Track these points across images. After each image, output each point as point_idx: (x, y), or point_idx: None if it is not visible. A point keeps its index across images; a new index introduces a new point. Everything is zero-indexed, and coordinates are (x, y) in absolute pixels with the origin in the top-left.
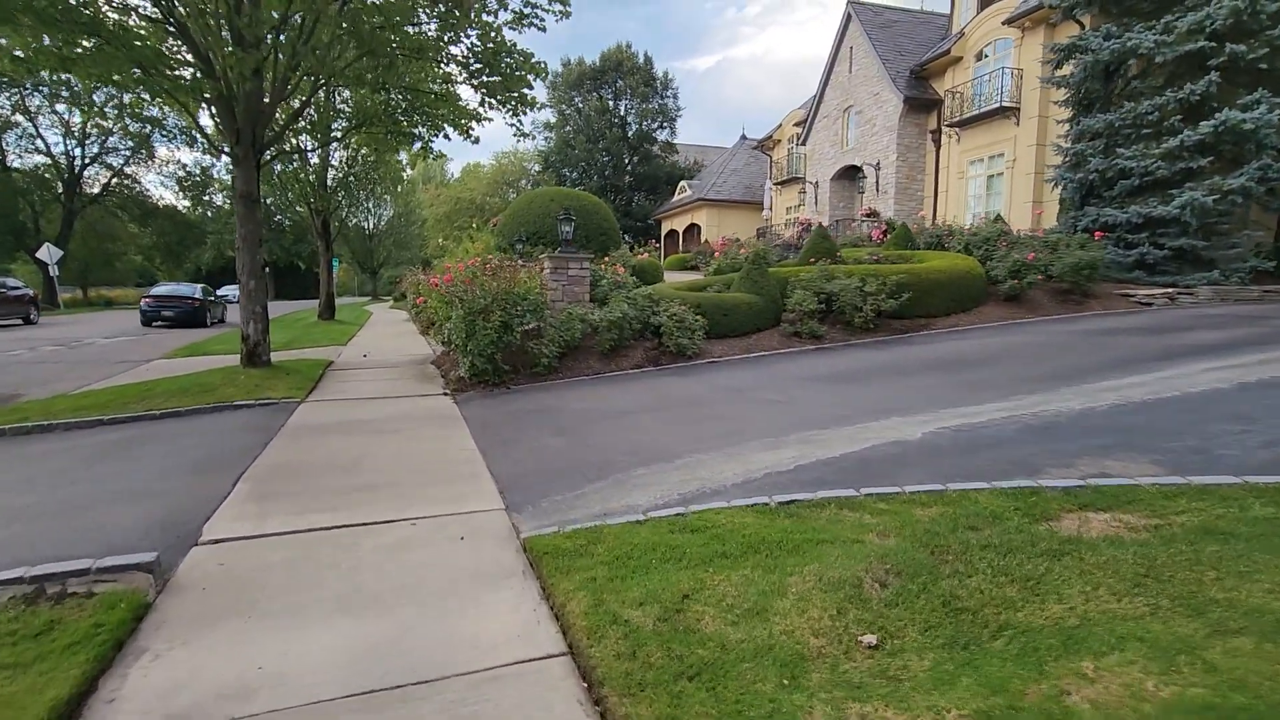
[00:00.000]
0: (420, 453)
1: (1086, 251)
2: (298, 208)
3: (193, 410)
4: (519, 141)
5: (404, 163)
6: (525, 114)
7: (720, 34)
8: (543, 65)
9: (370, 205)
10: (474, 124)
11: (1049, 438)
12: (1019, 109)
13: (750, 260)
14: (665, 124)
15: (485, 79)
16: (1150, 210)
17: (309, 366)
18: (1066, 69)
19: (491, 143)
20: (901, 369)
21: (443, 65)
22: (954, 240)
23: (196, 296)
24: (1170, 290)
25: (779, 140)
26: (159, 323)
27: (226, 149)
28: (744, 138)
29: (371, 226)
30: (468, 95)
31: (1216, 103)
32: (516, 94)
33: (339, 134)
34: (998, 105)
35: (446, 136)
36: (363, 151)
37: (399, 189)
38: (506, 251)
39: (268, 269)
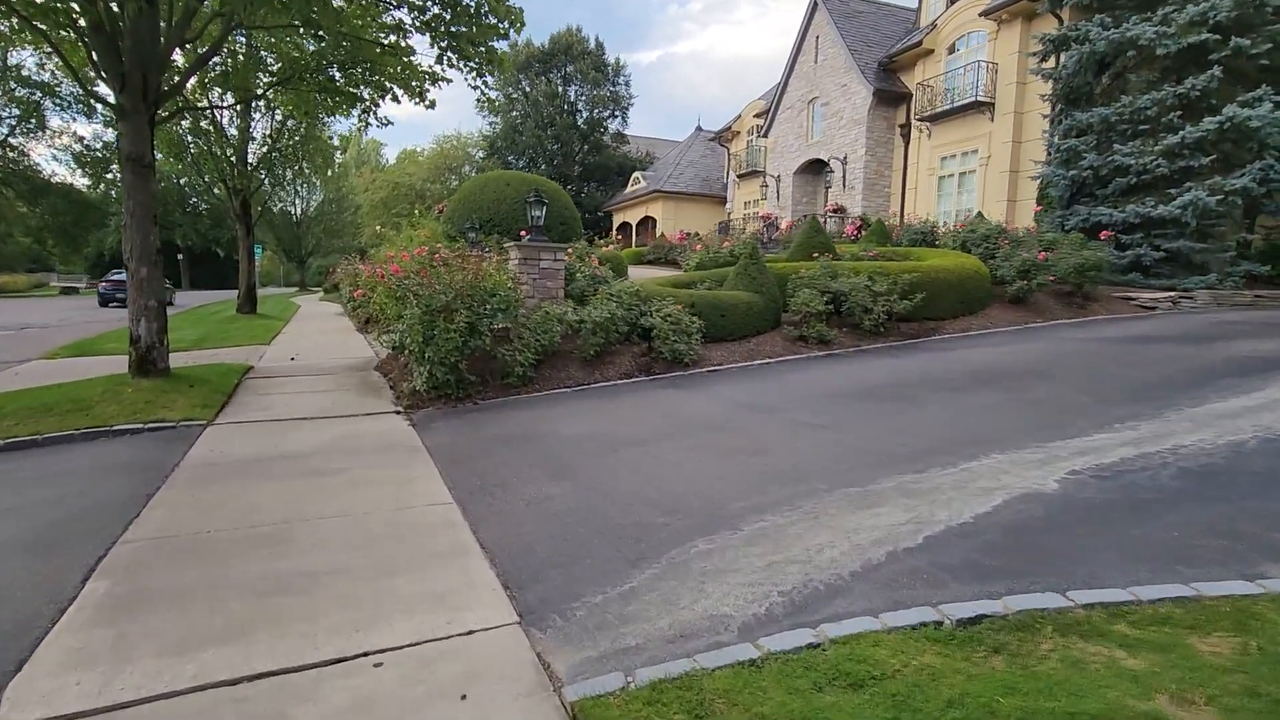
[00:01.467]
0: (376, 509)
1: (1092, 252)
2: (214, 190)
3: (52, 440)
4: (483, 114)
5: (336, 143)
6: (492, 74)
7: (664, 29)
8: (518, 11)
9: (298, 186)
10: (429, 86)
11: (1229, 489)
12: (994, 104)
13: (747, 255)
14: (617, 112)
15: (446, 29)
16: (1149, 210)
17: (221, 374)
18: (1053, 61)
19: (431, 126)
20: (945, 383)
21: (393, 8)
22: (946, 238)
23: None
24: (1171, 294)
25: (738, 132)
26: (114, 304)
27: (112, 101)
28: (700, 129)
29: (299, 212)
30: (423, 50)
31: (1215, 99)
32: (484, 47)
33: (261, 91)
34: (972, 100)
35: (395, 98)
36: (289, 123)
37: (330, 173)
38: (456, 240)
39: (180, 255)
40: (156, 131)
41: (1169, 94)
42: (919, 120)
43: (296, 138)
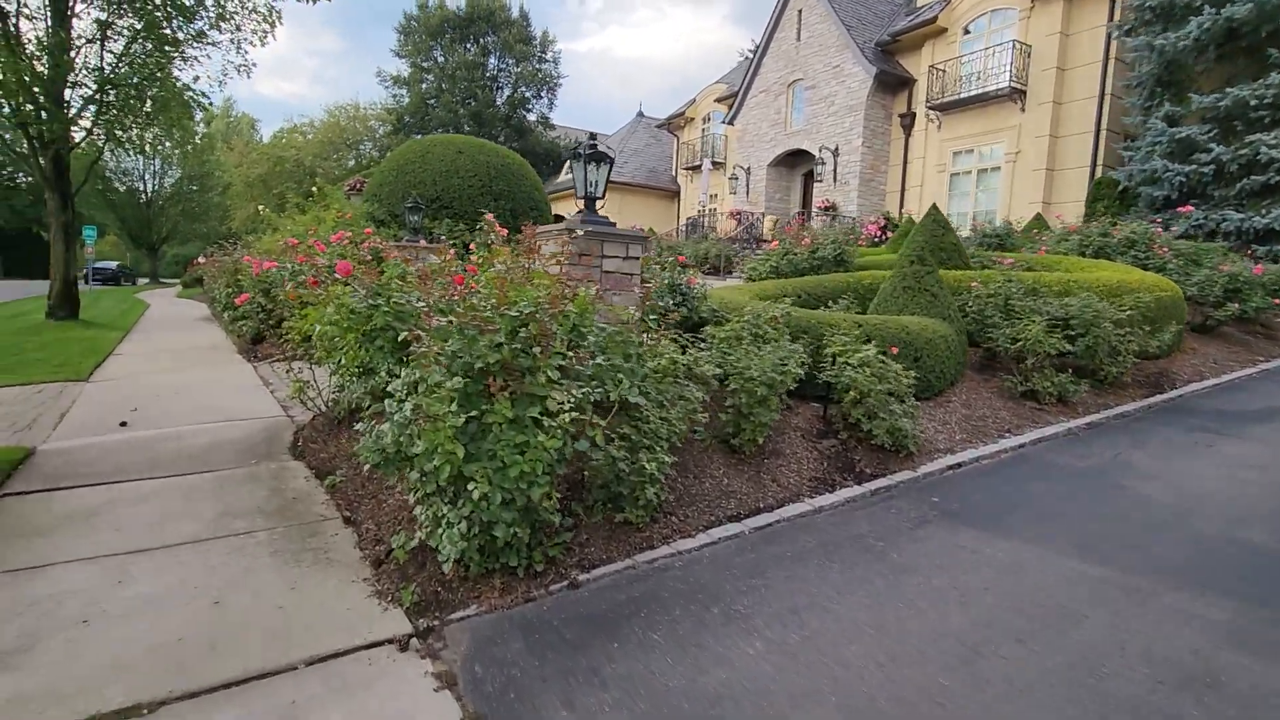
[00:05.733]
0: None
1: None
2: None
3: None
4: (385, 84)
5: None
6: None
7: (563, 26)
8: None
9: (147, 141)
10: None
11: None
12: (1026, 92)
13: (912, 259)
14: (545, 93)
15: None
16: None
17: None
18: (1156, 39)
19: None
20: None
21: None
22: (1046, 240)
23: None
24: None
25: (691, 119)
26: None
27: None
28: (641, 115)
29: (149, 189)
30: None
31: None
32: None
33: None
34: (1004, 86)
35: None
36: (133, 48)
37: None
38: (388, 226)
39: None
40: None
41: None
42: (930, 109)
43: (142, 63)
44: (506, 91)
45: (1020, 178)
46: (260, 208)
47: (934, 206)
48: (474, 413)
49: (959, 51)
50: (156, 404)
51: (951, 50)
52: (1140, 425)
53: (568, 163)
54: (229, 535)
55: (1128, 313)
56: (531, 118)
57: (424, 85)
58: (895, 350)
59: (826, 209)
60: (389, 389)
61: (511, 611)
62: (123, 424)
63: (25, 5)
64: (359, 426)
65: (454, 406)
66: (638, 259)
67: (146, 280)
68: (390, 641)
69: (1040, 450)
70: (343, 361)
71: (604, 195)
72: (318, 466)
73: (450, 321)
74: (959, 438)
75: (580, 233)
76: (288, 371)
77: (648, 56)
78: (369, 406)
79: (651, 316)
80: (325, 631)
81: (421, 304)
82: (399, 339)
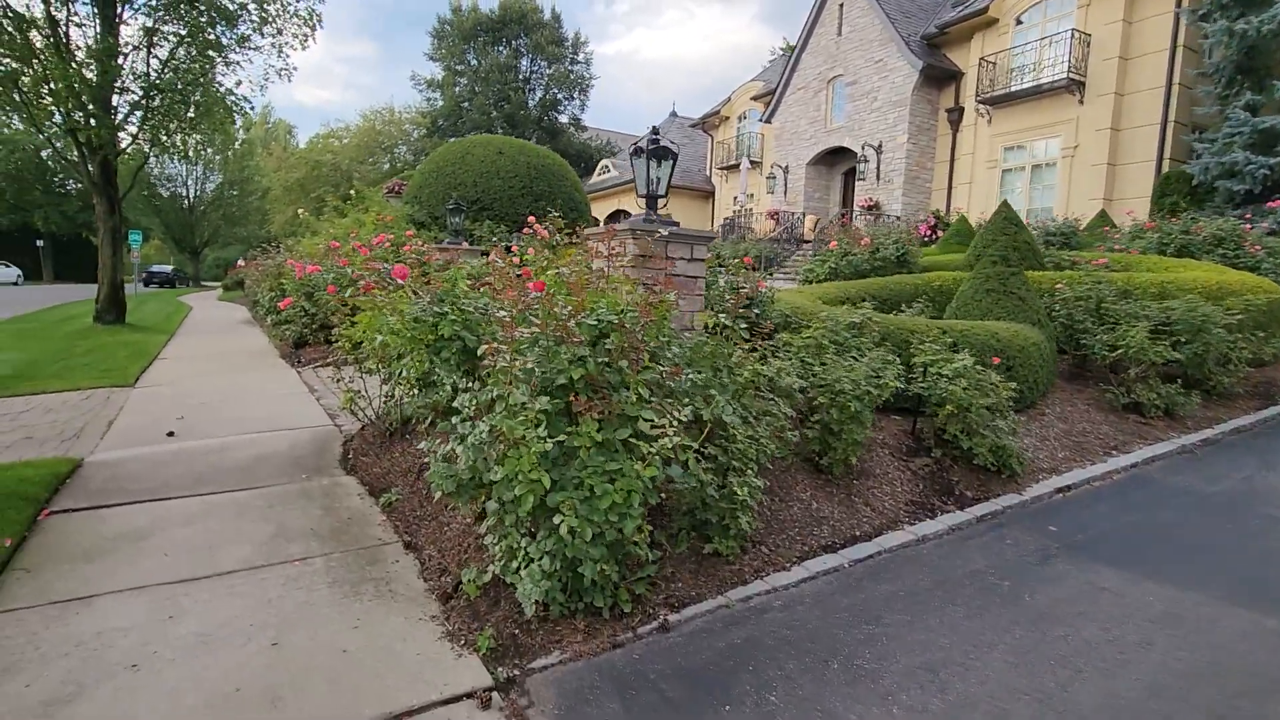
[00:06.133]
0: None
1: None
2: (56, 144)
3: None
4: (419, 88)
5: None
6: None
7: (590, 28)
8: None
9: (189, 151)
10: None
11: None
12: (1084, 84)
13: (994, 259)
14: (577, 94)
15: None
16: None
17: None
18: (1236, 24)
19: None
20: None
21: None
22: (1118, 238)
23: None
24: None
25: (726, 118)
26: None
27: None
28: (675, 114)
29: (192, 194)
30: None
31: None
32: None
33: None
34: (1060, 77)
35: None
36: (178, 52)
37: (231, 149)
38: (428, 228)
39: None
40: None
41: None
42: (980, 103)
43: (187, 69)
44: (539, 93)
45: (1078, 173)
46: (300, 211)
47: (1004, 203)
48: (560, 437)
49: (1011, 43)
50: (202, 411)
51: (1002, 42)
52: (1262, 442)
53: (601, 163)
54: (284, 562)
55: (1238, 316)
56: (563, 119)
57: (457, 88)
58: (997, 360)
59: (869, 208)
60: (454, 403)
61: (599, 659)
62: (170, 434)
63: (75, 13)
64: (423, 445)
65: (542, 431)
66: (703, 261)
67: (187, 285)
68: (469, 696)
69: (1156, 471)
70: (404, 373)
71: (667, 194)
72: (371, 483)
73: (532, 331)
74: (1061, 456)
75: (664, 232)
76: (337, 381)
77: (676, 58)
78: (430, 421)
79: (741, 324)
80: (396, 682)
81: (502, 312)
82: (475, 351)
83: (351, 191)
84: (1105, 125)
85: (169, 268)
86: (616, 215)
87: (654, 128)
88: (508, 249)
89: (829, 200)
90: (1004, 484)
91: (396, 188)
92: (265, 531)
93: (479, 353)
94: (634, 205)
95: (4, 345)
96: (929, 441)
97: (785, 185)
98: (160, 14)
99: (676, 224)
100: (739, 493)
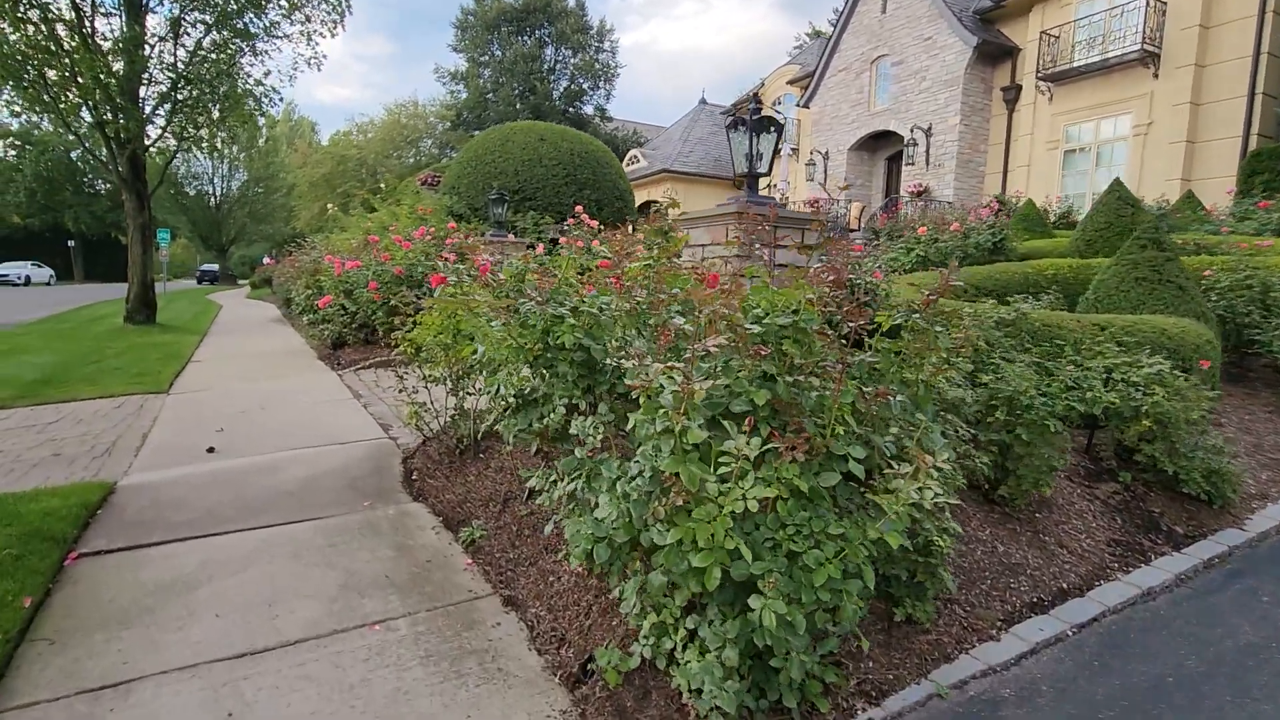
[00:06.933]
0: None
1: None
2: (75, 133)
3: None
4: (442, 81)
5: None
6: None
7: (607, 20)
8: None
9: (217, 146)
10: None
11: None
12: (1160, 55)
13: (1144, 241)
14: (602, 83)
15: None
16: None
17: (10, 527)
18: None
19: (371, 99)
20: None
21: None
22: (1224, 220)
23: (215, 269)
24: None
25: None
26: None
27: None
28: (704, 103)
29: (219, 192)
30: None
31: None
32: None
33: None
34: (1133, 50)
35: None
36: (206, 40)
37: (256, 146)
38: (468, 220)
39: (71, 242)
40: None
41: None
42: (1041, 79)
43: (216, 61)
44: (564, 84)
45: (1152, 152)
46: (329, 205)
47: (1117, 180)
48: (767, 491)
49: (1074, 15)
50: (242, 421)
51: (1065, 14)
52: None
53: (630, 154)
54: (361, 625)
55: None
56: (588, 110)
57: (481, 80)
58: (1206, 364)
59: (918, 194)
60: (571, 428)
61: None
62: (210, 450)
63: (101, 3)
64: (532, 483)
65: (749, 485)
66: (812, 248)
67: (214, 282)
68: None
69: None
70: (500, 390)
71: (770, 171)
72: (445, 512)
73: (717, 347)
74: (1265, 477)
75: (809, 214)
76: (399, 391)
77: (694, 48)
78: (535, 448)
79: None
80: None
81: (681, 319)
82: (598, 364)
83: (381, 185)
84: (1184, 100)
85: (215, 266)
86: (645, 207)
87: (755, 95)
88: (553, 241)
89: (871, 186)
90: (1215, 515)
91: (430, 180)
92: (332, 581)
93: (624, 370)
94: (663, 197)
95: (37, 347)
96: (1109, 462)
97: (825, 171)
98: (187, 1)
99: (779, 203)
100: (938, 542)
